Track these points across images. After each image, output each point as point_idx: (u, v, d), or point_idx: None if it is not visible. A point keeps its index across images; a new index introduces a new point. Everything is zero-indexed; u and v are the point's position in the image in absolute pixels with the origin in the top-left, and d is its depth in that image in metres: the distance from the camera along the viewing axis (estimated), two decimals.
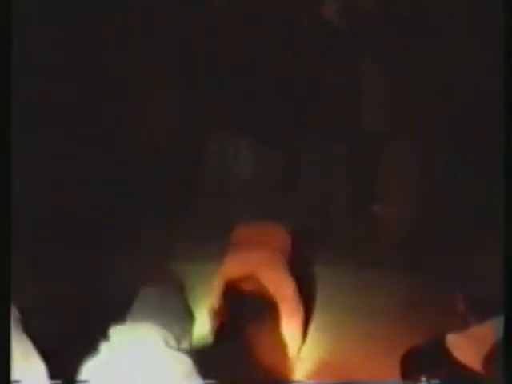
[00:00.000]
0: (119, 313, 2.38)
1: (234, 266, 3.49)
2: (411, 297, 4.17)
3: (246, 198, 5.72)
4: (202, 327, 2.97)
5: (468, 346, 2.26)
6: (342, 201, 5.58)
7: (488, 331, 2.28)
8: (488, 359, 2.14)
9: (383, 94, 5.57)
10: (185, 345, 2.33)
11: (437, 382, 2.17)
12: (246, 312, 3.33)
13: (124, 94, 5.54)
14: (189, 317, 2.43)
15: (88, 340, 2.24)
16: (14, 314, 2.23)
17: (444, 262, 4.52)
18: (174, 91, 5.77)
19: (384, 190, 5.40)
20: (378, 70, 5.51)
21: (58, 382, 2.23)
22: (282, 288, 3.48)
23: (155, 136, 5.77)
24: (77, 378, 2.19)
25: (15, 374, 2.07)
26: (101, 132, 5.31)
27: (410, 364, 2.42)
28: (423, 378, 2.18)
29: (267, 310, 3.62)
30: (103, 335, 2.22)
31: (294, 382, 3.27)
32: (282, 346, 3.43)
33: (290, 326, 3.52)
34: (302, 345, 3.66)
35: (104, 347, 2.20)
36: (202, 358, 2.22)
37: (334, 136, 5.56)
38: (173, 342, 2.21)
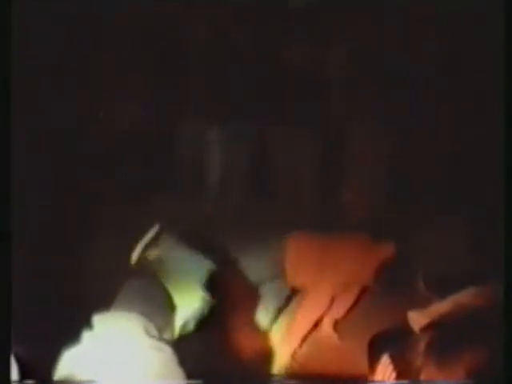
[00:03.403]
0: (103, 302, 2.41)
1: None
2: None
3: (220, 185, 5.80)
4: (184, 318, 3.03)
5: (426, 322, 2.34)
6: (312, 188, 5.67)
7: (447, 307, 2.37)
8: None
9: (354, 79, 5.65)
10: (167, 335, 2.35)
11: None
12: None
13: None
14: (171, 308, 2.44)
15: (71, 329, 2.28)
16: None
17: (406, 241, 4.62)
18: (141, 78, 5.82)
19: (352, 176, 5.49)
20: (349, 54, 5.59)
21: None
22: None
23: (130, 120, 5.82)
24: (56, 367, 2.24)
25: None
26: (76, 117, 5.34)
27: (375, 345, 2.49)
28: (385, 357, 2.24)
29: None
30: (86, 324, 2.26)
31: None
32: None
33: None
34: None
35: (86, 336, 2.24)
36: (183, 348, 2.28)
37: (304, 122, 5.64)
38: (154, 332, 2.25)
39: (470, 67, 5.14)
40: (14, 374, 2.17)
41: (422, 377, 2.03)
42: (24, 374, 2.26)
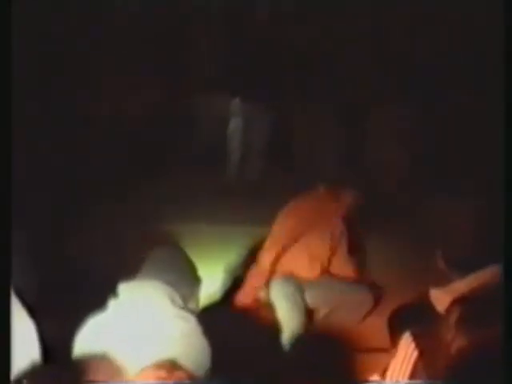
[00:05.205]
0: (129, 271, 2.43)
1: None
2: (396, 256, 4.28)
3: (236, 160, 5.81)
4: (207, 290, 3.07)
5: (449, 301, 2.36)
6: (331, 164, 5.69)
7: (468, 285, 2.38)
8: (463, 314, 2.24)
9: (370, 58, 5.63)
10: (191, 305, 2.37)
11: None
12: None
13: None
14: (195, 279, 2.46)
15: (97, 297, 2.30)
16: None
17: (425, 221, 4.63)
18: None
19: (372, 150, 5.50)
20: (367, 32, 5.56)
21: None
22: None
23: (142, 100, 5.83)
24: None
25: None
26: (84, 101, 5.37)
27: (396, 322, 2.49)
28: (406, 334, 2.20)
29: None
30: (112, 292, 2.27)
31: None
32: None
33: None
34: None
35: (112, 304, 2.25)
36: (208, 319, 2.27)
37: (322, 99, 5.63)
38: (179, 301, 2.25)
39: (471, 54, 5.11)
40: (36, 354, 2.17)
41: (453, 351, 2.03)
42: (48, 350, 2.27)
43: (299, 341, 3.51)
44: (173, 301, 2.24)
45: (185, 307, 2.29)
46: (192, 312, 2.30)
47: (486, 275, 2.35)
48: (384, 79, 5.42)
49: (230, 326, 2.98)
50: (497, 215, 2.45)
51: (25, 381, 1.91)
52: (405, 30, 5.29)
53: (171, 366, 1.89)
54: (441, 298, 2.37)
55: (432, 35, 5.24)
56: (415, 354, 2.17)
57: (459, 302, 2.23)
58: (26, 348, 2.15)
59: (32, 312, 2.22)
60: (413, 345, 2.18)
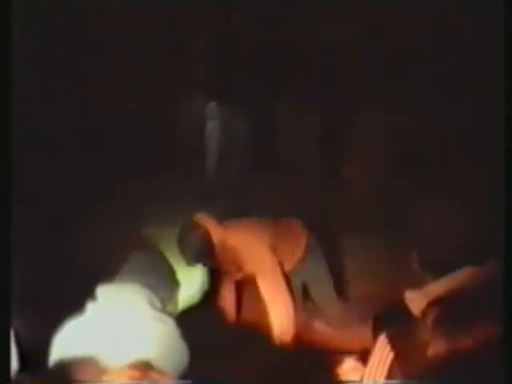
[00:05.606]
0: (107, 274, 2.43)
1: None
2: (374, 256, 4.30)
3: (220, 161, 5.83)
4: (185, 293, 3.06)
5: (424, 303, 2.38)
6: (316, 163, 5.71)
7: (443, 287, 2.40)
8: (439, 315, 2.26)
9: (357, 57, 5.65)
10: (170, 308, 2.37)
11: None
12: None
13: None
14: (174, 282, 2.46)
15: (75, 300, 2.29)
16: None
17: (403, 223, 4.66)
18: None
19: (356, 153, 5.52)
20: (353, 32, 5.57)
21: None
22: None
23: (128, 98, 5.83)
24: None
25: None
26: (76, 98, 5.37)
27: (376, 325, 2.51)
28: (382, 335, 2.22)
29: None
30: (90, 295, 2.27)
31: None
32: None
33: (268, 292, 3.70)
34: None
35: (90, 307, 2.25)
36: (186, 322, 2.27)
37: (307, 97, 5.64)
38: (157, 304, 2.26)
39: (470, 50, 5.14)
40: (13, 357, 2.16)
41: (430, 353, 2.05)
42: (24, 351, 2.28)
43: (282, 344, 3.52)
44: (151, 303, 2.25)
45: (163, 310, 2.29)
46: (170, 314, 2.30)
47: (460, 277, 2.38)
48: (372, 78, 5.44)
49: (209, 329, 2.98)
50: (472, 216, 2.48)
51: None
52: (404, 30, 5.30)
53: (145, 366, 1.90)
54: (416, 300, 2.39)
55: (432, 35, 5.27)
56: (391, 355, 2.19)
57: (434, 303, 2.25)
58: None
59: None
60: (389, 346, 2.21)
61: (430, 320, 2.22)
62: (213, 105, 5.77)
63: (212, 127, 5.80)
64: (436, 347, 2.07)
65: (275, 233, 3.86)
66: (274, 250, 3.76)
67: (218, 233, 3.71)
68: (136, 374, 1.85)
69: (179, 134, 5.97)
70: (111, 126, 5.63)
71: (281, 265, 3.74)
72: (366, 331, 2.66)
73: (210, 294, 3.86)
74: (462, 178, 4.77)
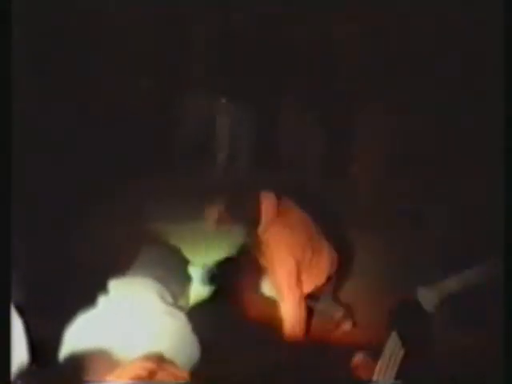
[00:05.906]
0: (119, 268, 2.42)
1: None
2: (385, 256, 4.30)
3: (223, 159, 5.83)
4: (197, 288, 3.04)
5: (437, 299, 2.40)
6: (317, 163, 5.72)
7: (455, 284, 2.42)
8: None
9: (358, 56, 5.66)
10: (182, 302, 2.38)
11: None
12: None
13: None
14: (186, 277, 2.46)
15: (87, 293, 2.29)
16: None
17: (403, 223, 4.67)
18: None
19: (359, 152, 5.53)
20: (353, 32, 5.58)
21: None
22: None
23: (131, 96, 5.84)
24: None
25: None
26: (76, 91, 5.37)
27: (389, 319, 2.52)
28: (393, 333, 2.25)
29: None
30: (102, 289, 2.28)
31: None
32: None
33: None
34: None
35: (102, 300, 2.26)
36: (198, 317, 2.29)
37: (308, 97, 5.65)
38: (169, 298, 2.27)
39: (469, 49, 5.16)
40: (23, 350, 2.14)
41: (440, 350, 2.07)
42: (36, 345, 2.23)
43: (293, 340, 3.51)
44: (162, 298, 2.25)
45: (174, 304, 2.29)
46: (182, 309, 2.31)
47: (472, 275, 2.40)
48: (372, 78, 5.45)
49: (220, 324, 2.98)
50: (483, 216, 2.50)
51: (19, 381, 1.90)
52: (404, 30, 5.32)
53: (158, 358, 1.89)
54: (428, 297, 2.41)
55: (432, 35, 5.28)
56: (402, 352, 2.20)
57: (447, 300, 2.27)
58: (14, 347, 2.14)
59: (20, 311, 2.21)
60: (399, 343, 2.22)
61: (441, 317, 2.24)
62: (213, 105, 5.77)
63: (212, 127, 5.81)
64: (447, 344, 2.09)
65: (310, 241, 3.84)
66: (302, 251, 3.73)
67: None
68: (150, 365, 1.84)
69: (179, 133, 5.97)
70: (111, 126, 5.62)
71: (298, 264, 3.69)
72: (378, 328, 2.66)
73: (222, 289, 3.86)
74: (461, 177, 4.78)
